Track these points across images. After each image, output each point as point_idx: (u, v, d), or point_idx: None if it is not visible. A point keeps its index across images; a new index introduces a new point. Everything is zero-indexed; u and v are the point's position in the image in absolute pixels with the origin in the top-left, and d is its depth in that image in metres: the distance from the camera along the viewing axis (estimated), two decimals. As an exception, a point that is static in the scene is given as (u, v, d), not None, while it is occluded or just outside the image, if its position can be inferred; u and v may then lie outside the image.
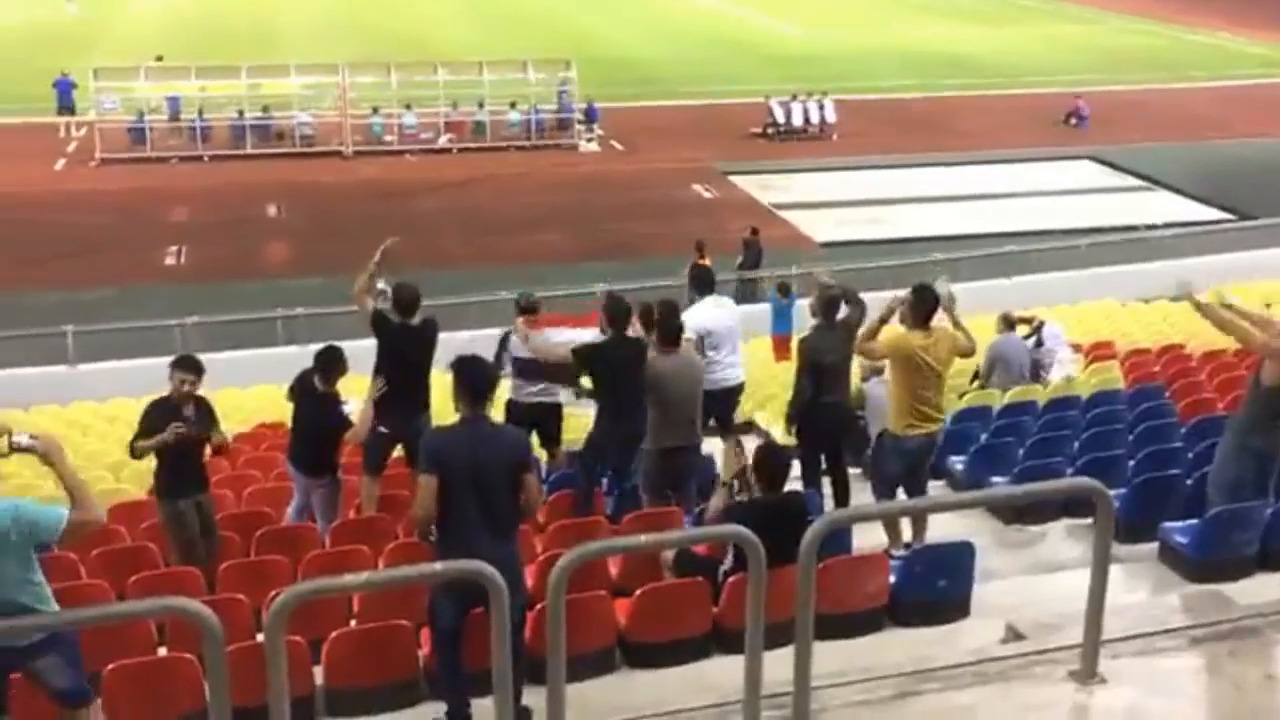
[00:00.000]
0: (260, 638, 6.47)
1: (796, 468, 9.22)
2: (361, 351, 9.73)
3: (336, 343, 9.61)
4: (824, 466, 9.91)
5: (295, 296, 20.56)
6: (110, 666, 6.16)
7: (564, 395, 10.07)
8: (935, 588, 7.55)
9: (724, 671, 6.14)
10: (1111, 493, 5.17)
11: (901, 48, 51.53)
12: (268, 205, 29.68)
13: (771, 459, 7.43)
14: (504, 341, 10.51)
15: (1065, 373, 13.53)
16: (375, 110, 35.13)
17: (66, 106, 35.03)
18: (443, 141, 35.13)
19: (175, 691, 6.30)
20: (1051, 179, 32.78)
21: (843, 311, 9.77)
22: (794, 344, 14.55)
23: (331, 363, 9.29)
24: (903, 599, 7.51)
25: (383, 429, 9.37)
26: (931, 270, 20.34)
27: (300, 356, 9.68)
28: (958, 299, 9.41)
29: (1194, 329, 17.74)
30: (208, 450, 9.14)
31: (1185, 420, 11.19)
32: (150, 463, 9.10)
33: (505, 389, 10.73)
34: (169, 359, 9.12)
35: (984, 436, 11.14)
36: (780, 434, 12.03)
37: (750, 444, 8.14)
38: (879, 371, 11.60)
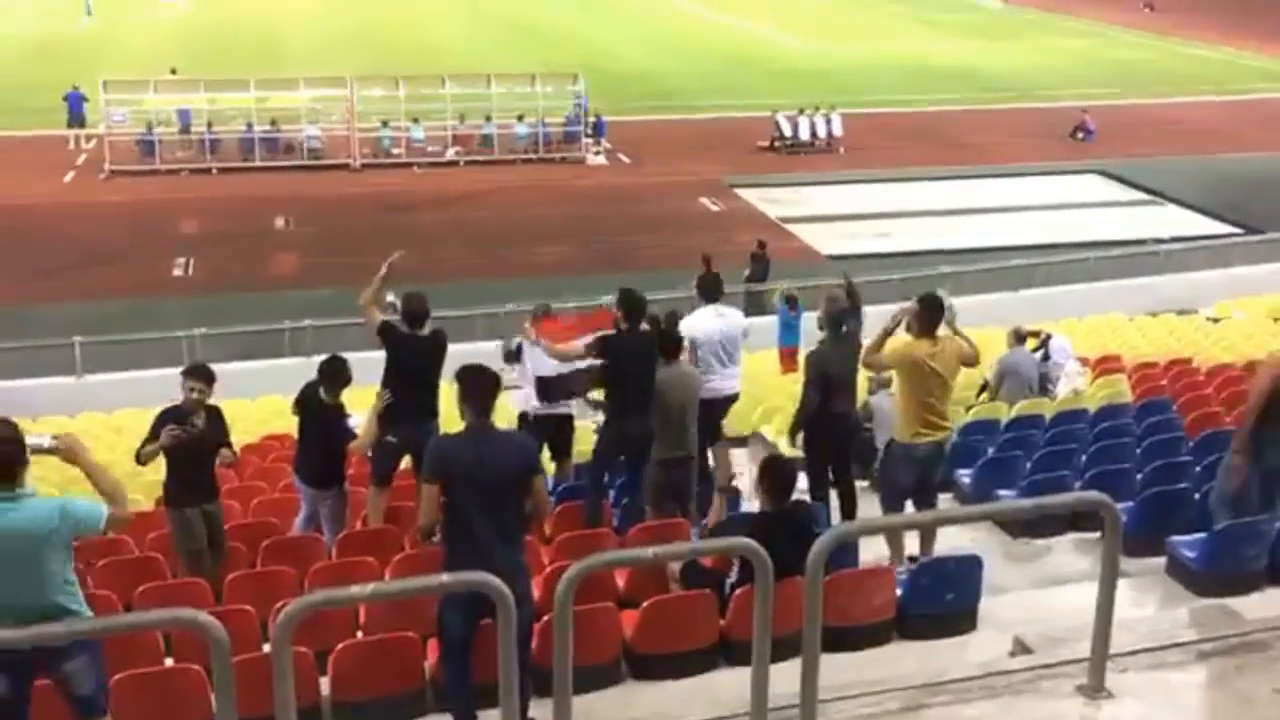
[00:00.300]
0: (266, 648, 6.48)
1: (803, 480, 9.23)
2: (370, 363, 9.73)
3: (342, 354, 9.62)
4: (831, 479, 9.89)
5: (303, 308, 20.63)
6: (117, 677, 6.15)
7: (576, 407, 10.07)
8: (943, 601, 7.54)
9: (730, 684, 6.13)
10: (1119, 506, 5.16)
11: (908, 62, 51.61)
12: (276, 217, 29.76)
13: (777, 471, 7.43)
14: (518, 353, 10.51)
15: (1072, 386, 13.53)
16: (385, 124, 35.23)
17: (77, 119, 35.17)
18: (450, 154, 35.21)
19: (182, 703, 6.30)
20: (1058, 193, 32.80)
21: (848, 324, 9.77)
22: (801, 357, 14.57)
23: (335, 373, 9.29)
24: (910, 612, 7.50)
25: (390, 439, 9.37)
26: (934, 283, 20.37)
27: (307, 368, 9.68)
28: (958, 311, 9.40)
29: (1200, 344, 17.75)
30: (218, 460, 9.14)
31: (1192, 434, 11.17)
32: (159, 473, 9.11)
33: (515, 401, 10.77)
34: (177, 370, 9.14)
35: (991, 450, 11.12)
36: (786, 446, 12.04)
37: (755, 456, 8.14)
38: (886, 385, 11.61)
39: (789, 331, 18.08)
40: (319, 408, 9.28)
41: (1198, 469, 9.70)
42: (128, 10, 60.31)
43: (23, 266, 25.59)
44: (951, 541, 8.85)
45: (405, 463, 9.77)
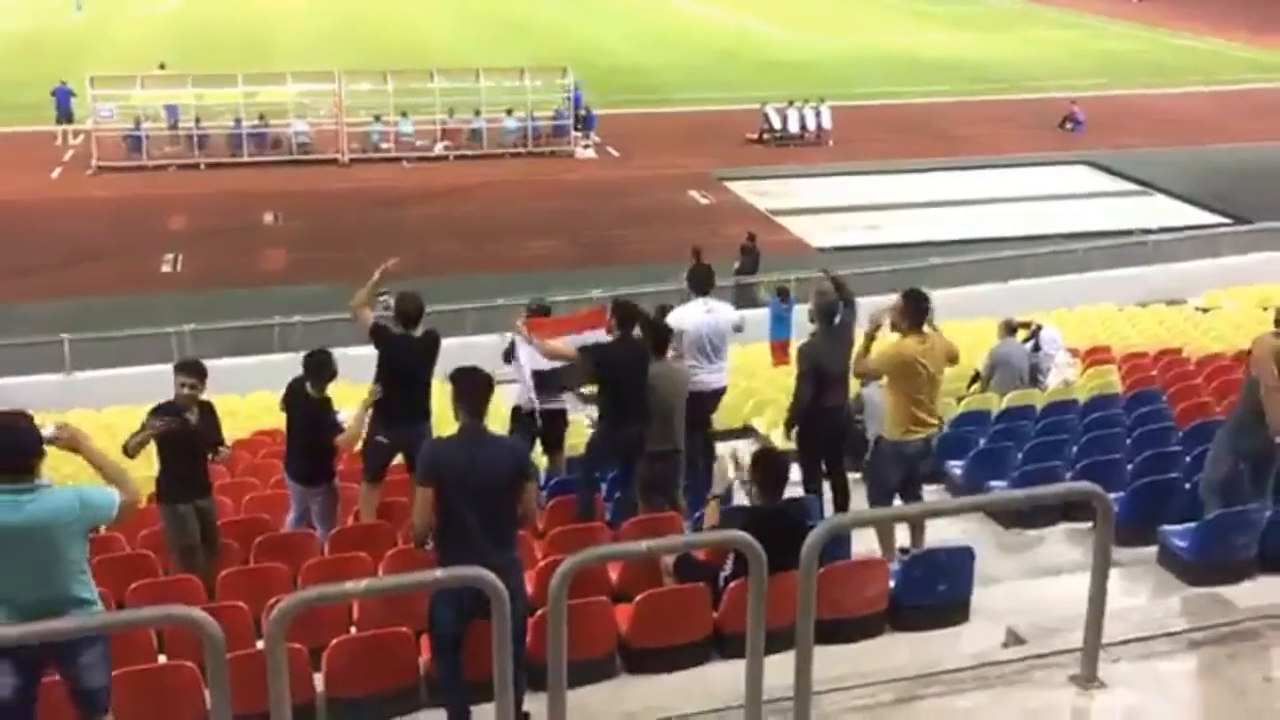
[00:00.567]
0: (260, 645, 6.48)
1: (795, 473, 9.24)
2: (363, 360, 9.72)
3: (330, 348, 9.59)
4: (824, 471, 9.91)
5: (293, 304, 20.58)
6: (111, 675, 6.14)
7: (569, 401, 10.08)
8: (935, 592, 7.57)
9: (724, 677, 6.14)
10: (1110, 496, 5.18)
11: (897, 54, 51.63)
12: (264, 213, 29.66)
13: (770, 464, 7.44)
14: (512, 349, 10.52)
15: (1063, 377, 13.56)
16: (378, 118, 35.11)
17: (65, 115, 35.04)
18: (439, 149, 35.14)
19: (176, 700, 6.30)
20: (1048, 183, 32.84)
21: (841, 315, 9.78)
22: (793, 349, 14.57)
23: (320, 367, 9.25)
24: (903, 604, 7.52)
25: (382, 439, 9.36)
26: (924, 276, 20.41)
27: (297, 364, 9.63)
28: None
29: (1190, 334, 17.81)
30: (214, 457, 9.12)
31: (1183, 424, 11.20)
32: (152, 469, 9.08)
33: (509, 396, 10.75)
34: (166, 366, 9.12)
35: (982, 441, 11.15)
36: (779, 439, 12.04)
37: (748, 449, 8.15)
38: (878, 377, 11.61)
39: (780, 324, 18.08)
40: (305, 403, 9.24)
41: (1188, 459, 9.74)
42: (117, 5, 60.11)
43: (10, 263, 25.46)
44: (943, 533, 8.88)
45: (398, 459, 9.77)
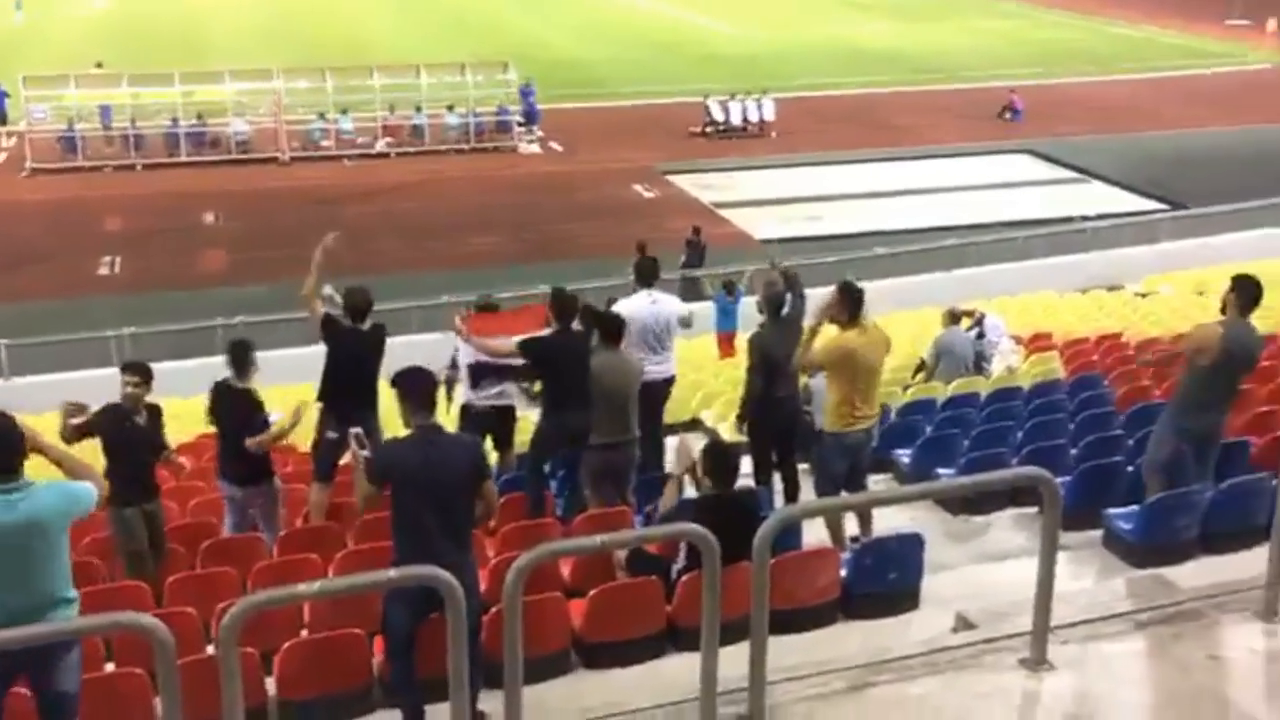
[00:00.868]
0: (210, 650, 6.42)
1: (746, 464, 9.27)
2: (305, 359, 9.64)
3: (275, 349, 9.51)
4: (774, 462, 9.95)
5: (234, 305, 20.36)
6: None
7: (518, 400, 10.04)
8: (886, 580, 7.62)
9: (679, 669, 6.15)
10: (1056, 480, 5.25)
11: (836, 45, 51.94)
12: (204, 213, 29.35)
13: (721, 456, 7.46)
14: (454, 356, 10.50)
15: (1007, 364, 13.70)
16: (322, 115, 34.76)
17: (0, 116, 34.44)
18: (380, 146, 34.90)
19: (126, 708, 6.22)
20: (988, 172, 33.19)
21: (789, 306, 9.82)
22: (739, 341, 14.60)
23: (242, 354, 9.20)
24: (854, 592, 7.57)
25: (332, 434, 9.30)
26: (868, 266, 20.55)
27: (240, 366, 9.53)
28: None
29: (1129, 318, 18.07)
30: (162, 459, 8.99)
31: (1123, 408, 11.36)
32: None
33: (458, 395, 10.71)
34: (107, 371, 8.99)
35: (929, 429, 11.24)
36: (727, 431, 12.08)
37: (697, 442, 8.17)
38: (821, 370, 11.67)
39: (726, 317, 18.15)
40: (232, 397, 9.14)
41: (1130, 442, 9.87)
42: (51, 5, 59.12)
43: (-56, 268, 25.05)
44: (892, 520, 8.94)
45: (347, 458, 9.68)
